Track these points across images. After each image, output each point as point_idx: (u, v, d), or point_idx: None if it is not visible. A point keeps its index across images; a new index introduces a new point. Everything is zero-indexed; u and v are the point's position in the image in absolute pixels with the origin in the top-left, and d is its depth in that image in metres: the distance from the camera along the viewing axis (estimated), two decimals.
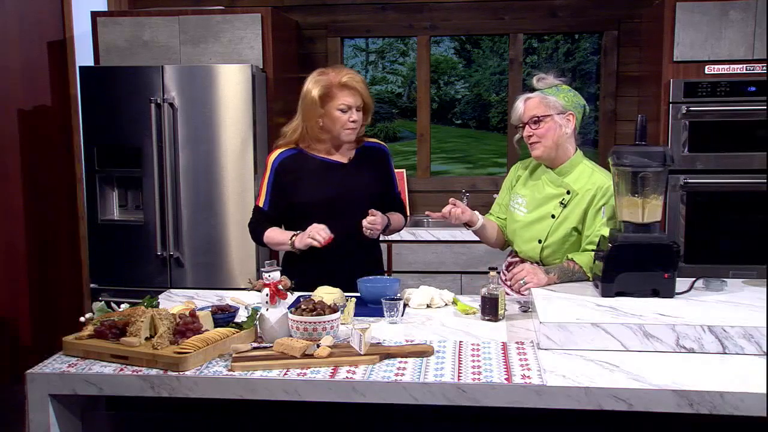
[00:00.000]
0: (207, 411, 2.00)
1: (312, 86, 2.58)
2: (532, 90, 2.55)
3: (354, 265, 2.61)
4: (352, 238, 2.59)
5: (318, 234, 2.46)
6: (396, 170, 4.54)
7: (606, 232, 2.40)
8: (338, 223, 2.55)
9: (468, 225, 2.62)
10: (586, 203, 2.47)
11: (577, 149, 2.56)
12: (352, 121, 2.58)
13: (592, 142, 4.58)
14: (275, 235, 2.66)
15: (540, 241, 2.53)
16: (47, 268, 4.41)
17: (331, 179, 2.64)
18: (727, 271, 3.53)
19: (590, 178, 2.50)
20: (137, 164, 3.96)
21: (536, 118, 2.47)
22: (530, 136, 2.50)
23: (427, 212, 2.63)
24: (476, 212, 2.61)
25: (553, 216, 2.51)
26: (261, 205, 2.70)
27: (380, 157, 2.76)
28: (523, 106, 2.52)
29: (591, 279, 2.41)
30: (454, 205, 2.54)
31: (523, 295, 2.42)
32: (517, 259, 2.65)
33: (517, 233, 2.62)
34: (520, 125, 2.54)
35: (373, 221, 2.55)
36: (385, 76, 4.75)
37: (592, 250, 2.37)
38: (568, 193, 2.50)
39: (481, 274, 3.83)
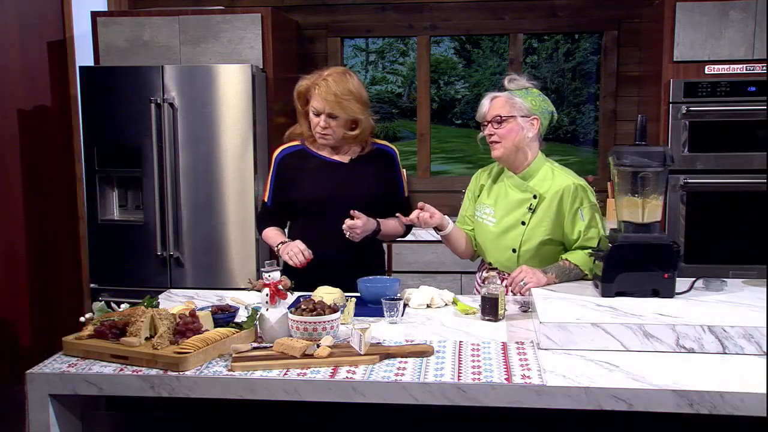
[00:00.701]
0: (207, 411, 2.00)
1: (299, 83, 2.61)
2: (502, 90, 2.53)
3: (354, 265, 2.60)
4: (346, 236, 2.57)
5: (295, 256, 2.49)
6: None
7: (594, 233, 2.41)
8: (336, 222, 2.55)
9: (437, 229, 2.59)
10: (555, 207, 2.46)
11: (539, 153, 2.54)
12: (321, 127, 2.56)
13: (592, 142, 4.58)
14: (271, 235, 2.70)
15: (514, 250, 2.52)
16: (47, 268, 4.41)
17: (330, 178, 2.63)
18: (727, 271, 3.53)
19: (553, 181, 2.48)
20: (137, 164, 3.96)
21: (499, 118, 2.46)
22: (491, 135, 2.49)
23: (397, 213, 2.59)
24: (446, 217, 2.57)
25: (523, 223, 2.50)
26: (265, 200, 2.75)
27: (386, 159, 2.73)
28: (488, 105, 2.51)
29: (589, 277, 2.41)
30: (422, 209, 2.50)
31: (523, 295, 2.42)
32: (495, 272, 2.63)
33: (490, 244, 2.59)
34: (484, 123, 2.52)
35: (353, 224, 2.50)
36: (385, 76, 4.75)
37: (583, 248, 2.39)
38: (535, 197, 2.49)
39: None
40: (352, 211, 2.51)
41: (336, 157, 2.67)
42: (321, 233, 2.62)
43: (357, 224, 2.51)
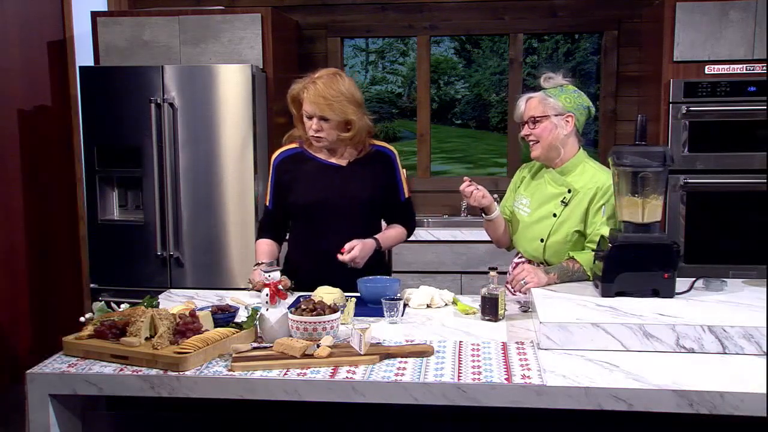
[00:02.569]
0: (207, 411, 2.00)
1: (291, 87, 2.60)
2: (537, 89, 2.57)
3: (347, 267, 2.54)
4: (343, 239, 2.54)
5: (254, 287, 2.42)
6: None
7: (606, 231, 2.41)
8: (335, 225, 2.57)
9: (485, 212, 2.61)
10: (587, 202, 2.48)
11: (580, 149, 2.57)
12: (314, 130, 2.54)
13: (592, 142, 4.58)
14: (259, 249, 2.71)
15: (542, 240, 2.54)
16: (47, 268, 4.41)
17: (327, 182, 2.62)
18: (727, 271, 3.53)
19: (592, 178, 2.50)
20: (137, 164, 3.96)
21: (534, 119, 2.50)
22: (528, 135, 2.54)
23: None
24: (495, 201, 2.62)
25: (554, 215, 2.52)
26: (267, 204, 2.75)
27: (384, 160, 2.70)
28: (524, 106, 2.55)
29: (591, 279, 2.41)
30: (473, 185, 2.51)
31: (524, 294, 2.42)
32: (523, 259, 2.65)
33: (520, 233, 2.64)
34: (522, 123, 2.57)
35: (350, 258, 2.48)
36: (385, 76, 4.75)
37: (593, 250, 2.38)
38: (569, 191, 2.51)
39: (481, 274, 3.83)
40: (342, 250, 2.49)
41: (333, 160, 2.65)
42: (319, 236, 2.61)
43: (354, 255, 2.49)
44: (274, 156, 2.73)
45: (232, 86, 3.84)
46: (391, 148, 2.77)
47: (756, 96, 3.71)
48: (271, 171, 2.72)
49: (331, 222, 2.59)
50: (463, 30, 4.55)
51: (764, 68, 3.69)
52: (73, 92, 4.43)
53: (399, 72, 4.74)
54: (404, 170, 2.88)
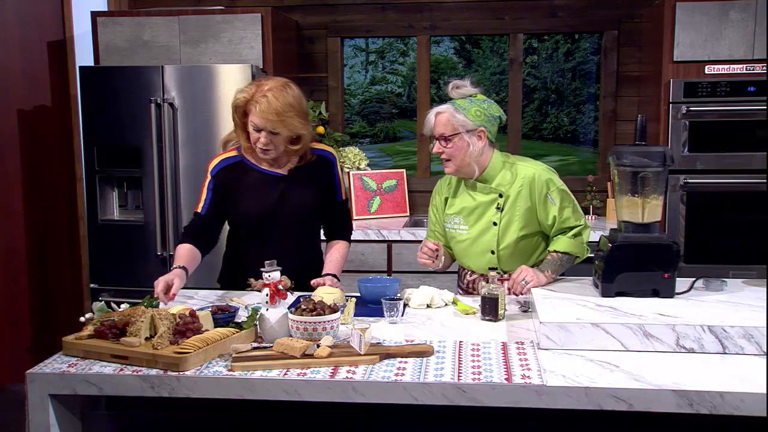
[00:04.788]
0: (207, 411, 2.00)
1: (236, 95, 2.48)
2: (447, 100, 2.52)
3: (291, 272, 2.29)
4: (286, 248, 2.53)
5: (161, 291, 2.27)
6: (396, 170, 4.62)
7: (569, 214, 2.43)
8: (278, 234, 2.56)
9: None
10: (524, 199, 2.46)
11: (493, 153, 2.53)
12: (263, 143, 2.46)
13: (592, 142, 4.58)
14: (179, 254, 2.52)
15: (493, 252, 2.53)
16: (47, 268, 4.41)
17: (268, 193, 2.56)
18: (727, 271, 3.53)
19: (518, 176, 2.48)
20: (137, 164, 3.96)
21: (444, 137, 2.46)
22: (441, 152, 2.50)
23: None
24: (439, 257, 2.58)
25: (495, 223, 2.51)
26: (199, 210, 2.60)
27: (324, 166, 2.66)
28: (434, 120, 2.50)
29: (581, 258, 2.48)
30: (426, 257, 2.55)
31: (525, 295, 2.42)
32: (475, 276, 2.63)
33: (466, 252, 2.60)
34: (432, 137, 2.52)
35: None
36: (385, 76, 4.75)
37: (564, 232, 2.43)
38: (501, 196, 2.49)
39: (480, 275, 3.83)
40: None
41: (275, 170, 2.59)
42: (261, 248, 2.55)
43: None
44: (211, 164, 2.61)
45: (232, 86, 3.82)
46: (332, 150, 2.71)
47: (756, 96, 3.71)
48: (208, 177, 2.60)
49: (274, 232, 2.57)
50: (463, 30, 4.55)
51: (764, 68, 3.69)
52: (73, 92, 4.43)
53: (399, 72, 4.74)
54: (346, 173, 2.81)
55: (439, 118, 2.48)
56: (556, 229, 2.49)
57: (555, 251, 2.47)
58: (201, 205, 2.60)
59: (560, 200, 2.45)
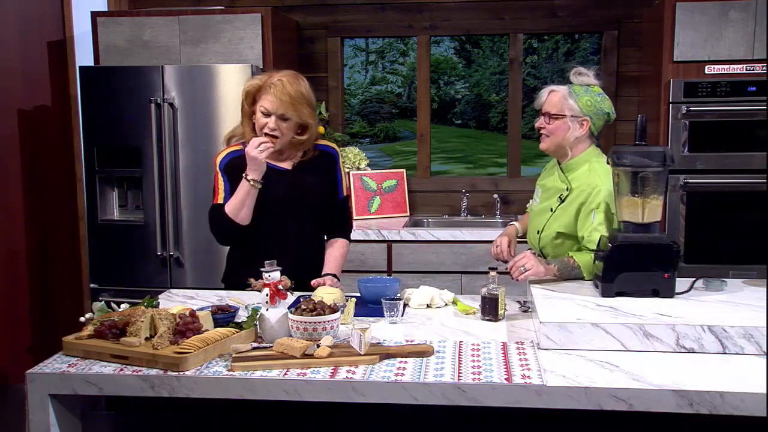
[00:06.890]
0: (207, 411, 2.00)
1: (249, 82, 2.55)
2: (565, 83, 2.58)
3: (295, 267, 2.36)
4: (290, 242, 2.56)
5: (258, 146, 2.41)
6: (396, 170, 4.62)
7: (596, 236, 2.40)
8: (280, 228, 2.57)
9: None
10: (579, 203, 2.48)
11: (589, 148, 2.56)
12: (270, 128, 2.48)
13: None
14: (232, 200, 2.56)
15: (538, 232, 2.60)
16: (47, 268, 4.41)
17: (273, 187, 2.57)
18: (727, 271, 3.53)
19: (588, 178, 2.50)
20: (137, 164, 3.95)
21: (550, 114, 2.52)
22: (541, 127, 2.56)
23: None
24: (512, 228, 2.77)
25: (551, 209, 2.57)
26: (221, 201, 2.62)
27: (328, 161, 2.68)
28: (545, 97, 2.58)
29: (590, 279, 2.40)
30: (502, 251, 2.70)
31: (520, 281, 2.40)
32: (493, 271, 2.65)
33: (530, 222, 2.74)
34: (539, 112, 2.60)
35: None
36: (385, 76, 4.75)
37: (591, 250, 2.37)
38: (567, 189, 2.53)
39: (481, 274, 3.83)
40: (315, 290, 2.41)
41: (279, 164, 2.62)
42: (264, 241, 2.58)
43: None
44: (218, 158, 2.65)
45: (232, 86, 3.84)
46: (334, 146, 2.75)
47: (756, 96, 3.71)
48: (218, 172, 2.64)
49: (278, 225, 2.58)
50: (463, 30, 4.55)
51: (764, 68, 3.69)
52: (73, 92, 4.42)
53: (399, 72, 4.74)
54: (348, 170, 2.83)
55: (551, 96, 2.55)
56: (585, 242, 2.47)
57: (572, 257, 2.46)
58: (221, 195, 2.62)
59: (598, 223, 2.45)
